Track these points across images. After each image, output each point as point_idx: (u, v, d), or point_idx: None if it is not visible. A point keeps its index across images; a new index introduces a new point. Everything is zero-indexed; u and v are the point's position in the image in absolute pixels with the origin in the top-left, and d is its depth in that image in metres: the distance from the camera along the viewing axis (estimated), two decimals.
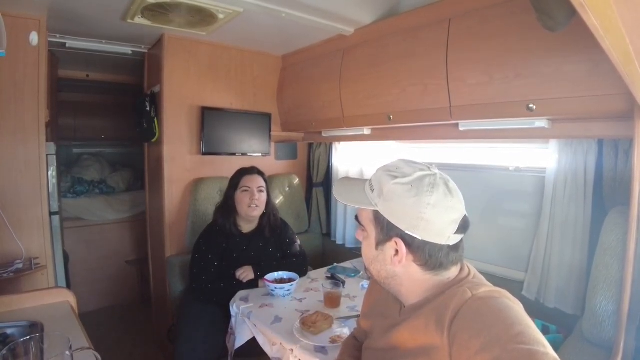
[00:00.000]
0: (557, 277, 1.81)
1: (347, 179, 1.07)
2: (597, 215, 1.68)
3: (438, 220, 0.83)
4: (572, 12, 1.07)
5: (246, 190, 2.15)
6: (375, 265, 0.93)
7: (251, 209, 2.14)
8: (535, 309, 1.84)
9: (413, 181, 0.84)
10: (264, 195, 2.20)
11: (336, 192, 1.00)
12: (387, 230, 0.87)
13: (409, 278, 0.88)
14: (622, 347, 1.29)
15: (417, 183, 0.84)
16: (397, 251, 0.86)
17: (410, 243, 0.85)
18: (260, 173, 2.26)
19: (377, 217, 0.89)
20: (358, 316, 1.46)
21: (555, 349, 0.69)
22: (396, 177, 0.86)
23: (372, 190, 0.90)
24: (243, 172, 2.22)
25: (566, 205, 1.77)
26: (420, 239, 0.84)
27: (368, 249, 0.93)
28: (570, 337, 1.53)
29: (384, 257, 0.89)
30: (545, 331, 1.66)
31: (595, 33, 0.51)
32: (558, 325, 1.70)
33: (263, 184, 2.22)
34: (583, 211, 1.73)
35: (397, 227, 0.85)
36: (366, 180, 0.95)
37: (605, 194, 1.66)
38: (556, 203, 1.81)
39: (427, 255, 0.85)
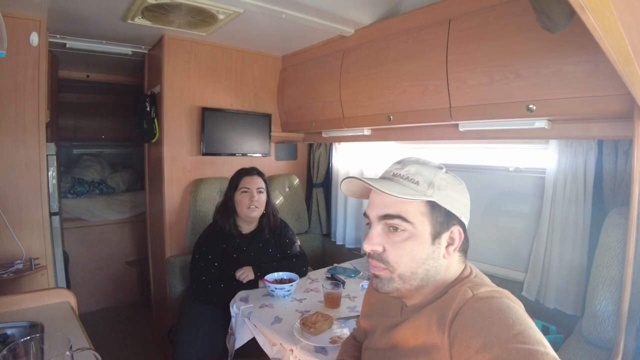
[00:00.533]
0: (557, 278, 1.81)
1: (354, 178, 0.94)
2: (597, 215, 1.68)
3: (469, 206, 0.92)
4: (572, 13, 1.07)
5: (245, 191, 2.15)
6: (427, 264, 0.86)
7: (250, 209, 2.14)
8: (535, 310, 1.84)
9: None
10: (263, 196, 2.20)
11: (383, 186, 0.85)
12: (446, 220, 0.87)
13: (447, 269, 0.89)
14: (622, 347, 1.29)
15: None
16: (452, 240, 0.88)
17: (464, 229, 0.90)
18: (260, 174, 2.26)
19: (433, 208, 0.86)
20: (358, 316, 1.46)
21: (556, 349, 0.69)
22: (440, 168, 0.91)
23: (417, 183, 0.86)
24: (243, 173, 2.22)
25: (566, 206, 1.77)
26: (465, 224, 0.91)
27: (419, 247, 0.85)
28: (570, 338, 1.53)
29: (440, 251, 0.87)
30: (545, 331, 1.66)
31: (595, 34, 0.51)
32: (558, 325, 1.70)
33: (262, 184, 2.22)
34: (583, 212, 1.73)
35: (454, 215, 0.88)
36: (382, 178, 0.93)
37: (605, 194, 1.66)
38: (556, 203, 1.81)
39: (468, 239, 0.92)
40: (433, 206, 0.86)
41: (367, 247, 0.89)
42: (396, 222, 0.85)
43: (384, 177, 0.92)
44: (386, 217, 0.87)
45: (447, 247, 0.88)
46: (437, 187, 0.87)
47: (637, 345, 1.34)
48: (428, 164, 0.91)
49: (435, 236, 0.86)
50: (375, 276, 0.90)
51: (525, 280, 1.94)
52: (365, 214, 0.94)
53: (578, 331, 1.52)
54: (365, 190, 0.95)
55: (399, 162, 0.93)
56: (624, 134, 1.46)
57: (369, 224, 0.92)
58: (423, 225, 0.85)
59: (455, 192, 0.89)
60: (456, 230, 0.88)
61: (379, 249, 0.87)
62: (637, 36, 0.51)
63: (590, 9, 0.41)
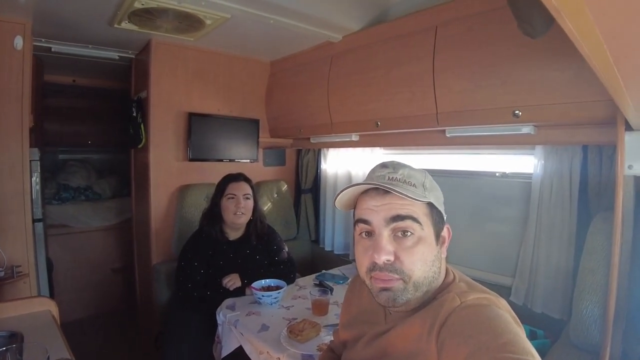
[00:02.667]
0: (544, 282, 1.82)
1: (355, 185, 0.89)
2: (583, 220, 1.69)
3: None
4: (551, 19, 1.08)
5: (232, 198, 2.13)
6: (435, 266, 0.85)
7: (237, 216, 2.12)
8: (522, 314, 1.82)
9: None
10: (250, 203, 2.19)
11: (398, 187, 0.83)
12: (440, 219, 0.89)
13: (444, 265, 0.91)
14: (609, 351, 1.29)
15: None
16: (443, 239, 0.91)
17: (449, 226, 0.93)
18: (247, 179, 2.24)
19: (431, 210, 0.87)
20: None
21: (543, 354, 0.69)
22: (424, 171, 0.92)
23: (414, 186, 0.86)
24: (229, 179, 2.20)
25: (552, 211, 1.79)
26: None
27: (428, 250, 0.84)
28: (557, 342, 1.54)
29: (441, 250, 0.89)
30: (532, 336, 1.66)
31: (573, 38, 0.51)
32: (545, 330, 1.70)
33: (249, 190, 2.20)
34: (569, 216, 1.74)
35: (442, 215, 0.90)
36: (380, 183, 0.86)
37: (590, 199, 1.68)
38: (542, 208, 1.82)
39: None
40: (431, 207, 0.87)
41: (379, 258, 0.82)
42: (407, 223, 0.82)
43: (381, 182, 0.86)
44: (396, 218, 0.83)
45: (442, 245, 0.90)
46: (428, 188, 0.88)
47: (623, 348, 1.35)
48: (413, 168, 0.91)
49: (437, 236, 0.87)
50: (386, 289, 0.83)
51: (513, 285, 1.95)
52: (362, 221, 0.87)
53: (565, 335, 1.53)
54: (353, 199, 0.93)
55: (386, 166, 0.90)
56: (608, 139, 1.48)
57: (367, 233, 0.87)
58: (428, 226, 0.85)
59: (439, 192, 0.93)
60: (446, 228, 0.91)
61: (392, 257, 0.82)
62: (616, 42, 0.52)
63: (565, 13, 0.41)
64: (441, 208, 0.90)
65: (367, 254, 0.85)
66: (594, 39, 0.49)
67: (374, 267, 0.84)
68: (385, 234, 0.84)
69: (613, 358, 1.33)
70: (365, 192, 0.89)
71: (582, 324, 1.40)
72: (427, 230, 0.85)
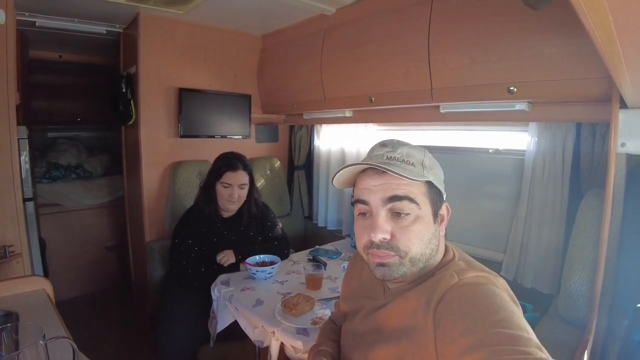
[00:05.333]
0: (535, 258, 1.85)
1: (352, 165, 0.89)
2: (574, 197, 1.71)
3: None
4: None
5: (227, 187, 2.11)
6: (432, 244, 0.86)
7: (229, 203, 2.12)
8: (512, 289, 1.87)
9: None
10: (245, 192, 2.17)
11: (393, 169, 0.81)
12: (439, 198, 0.89)
13: (439, 248, 0.90)
14: (595, 325, 1.33)
15: None
16: (442, 217, 0.91)
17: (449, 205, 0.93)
18: (245, 167, 2.17)
19: (430, 189, 0.87)
20: (338, 299, 1.46)
21: (531, 326, 0.70)
22: (423, 149, 0.91)
23: (413, 165, 0.86)
24: (226, 167, 2.13)
25: (544, 188, 1.80)
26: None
27: (425, 228, 0.85)
28: (545, 316, 1.57)
29: (438, 229, 0.89)
30: (522, 310, 1.70)
31: (578, 9, 0.50)
32: (535, 304, 1.74)
33: (246, 179, 2.16)
34: (561, 193, 1.76)
35: (442, 193, 0.91)
36: (379, 162, 0.85)
37: (582, 176, 1.69)
38: (535, 185, 1.84)
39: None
40: (430, 186, 0.87)
41: (375, 237, 0.83)
42: (404, 204, 0.83)
43: (379, 161, 0.86)
44: (393, 198, 0.83)
45: (441, 223, 0.90)
46: (428, 167, 0.88)
47: (609, 323, 1.39)
48: (413, 146, 0.90)
49: (435, 215, 0.87)
50: (381, 265, 0.85)
51: (504, 260, 1.98)
52: (360, 201, 0.88)
53: (553, 309, 1.56)
54: (352, 177, 0.93)
55: (385, 145, 0.90)
56: (602, 117, 1.48)
57: (365, 214, 0.88)
58: (426, 205, 0.86)
59: (439, 170, 0.92)
60: (444, 207, 0.91)
61: (388, 236, 0.83)
62: (622, 14, 0.50)
63: None
64: (440, 186, 0.90)
65: (365, 232, 0.87)
66: (601, 10, 0.48)
67: (371, 244, 0.85)
68: (382, 214, 0.84)
69: (599, 331, 1.37)
70: (364, 171, 0.89)
71: (570, 299, 1.44)
72: (425, 209, 0.85)
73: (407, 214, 0.83)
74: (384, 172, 0.84)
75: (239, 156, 2.20)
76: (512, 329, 0.67)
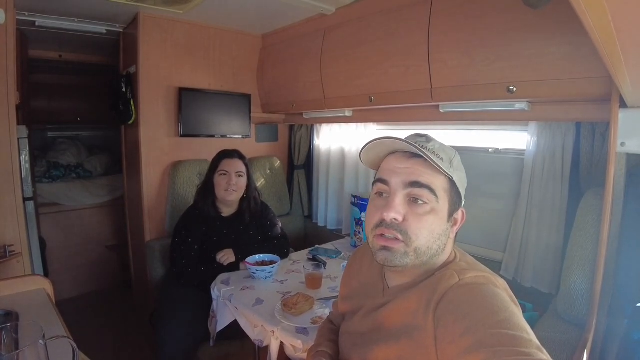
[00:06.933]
0: (534, 257, 1.85)
1: (389, 138, 0.89)
2: (574, 196, 1.71)
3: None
4: None
5: (224, 174, 2.12)
6: (440, 241, 0.85)
7: (227, 192, 2.12)
8: (512, 288, 1.87)
9: None
10: (242, 180, 2.18)
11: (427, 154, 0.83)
12: (457, 200, 0.89)
13: (445, 250, 0.89)
14: (594, 324, 1.33)
15: None
16: (456, 221, 0.90)
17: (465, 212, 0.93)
18: (242, 157, 2.22)
19: (451, 187, 0.87)
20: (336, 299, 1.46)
21: (531, 326, 0.70)
22: (455, 151, 0.91)
23: (442, 160, 0.85)
24: (223, 155, 2.19)
25: (544, 187, 1.80)
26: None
27: (438, 222, 0.84)
28: (545, 315, 1.57)
29: (449, 230, 0.88)
30: (521, 309, 1.70)
31: (577, 8, 0.50)
32: (534, 303, 1.74)
33: (243, 168, 2.19)
34: (560, 192, 1.76)
35: (461, 197, 0.90)
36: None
37: (581, 175, 1.69)
38: (534, 185, 1.83)
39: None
40: (452, 184, 0.87)
41: (388, 215, 0.83)
42: (424, 192, 0.83)
43: (421, 146, 0.86)
44: (414, 184, 0.83)
45: (453, 226, 0.90)
46: (455, 167, 0.88)
47: (608, 322, 1.39)
48: (446, 145, 0.91)
49: (450, 214, 0.87)
50: (385, 248, 0.84)
51: (503, 260, 1.98)
52: (380, 180, 0.88)
53: (553, 309, 1.56)
54: (379, 159, 0.93)
55: (420, 136, 0.91)
56: (602, 116, 1.47)
57: (382, 194, 0.88)
58: (444, 201, 0.86)
59: (464, 175, 0.92)
60: (460, 211, 0.91)
61: (400, 217, 0.83)
62: (621, 14, 0.50)
63: None
64: (462, 190, 0.90)
65: (377, 211, 0.86)
66: (600, 10, 0.48)
67: (380, 223, 0.85)
68: (400, 196, 0.84)
69: (598, 331, 1.37)
70: (393, 154, 0.90)
71: (569, 298, 1.44)
72: (442, 205, 0.85)
73: (425, 202, 0.83)
74: (412, 156, 0.85)
75: (236, 149, 2.25)
76: (512, 329, 0.67)
